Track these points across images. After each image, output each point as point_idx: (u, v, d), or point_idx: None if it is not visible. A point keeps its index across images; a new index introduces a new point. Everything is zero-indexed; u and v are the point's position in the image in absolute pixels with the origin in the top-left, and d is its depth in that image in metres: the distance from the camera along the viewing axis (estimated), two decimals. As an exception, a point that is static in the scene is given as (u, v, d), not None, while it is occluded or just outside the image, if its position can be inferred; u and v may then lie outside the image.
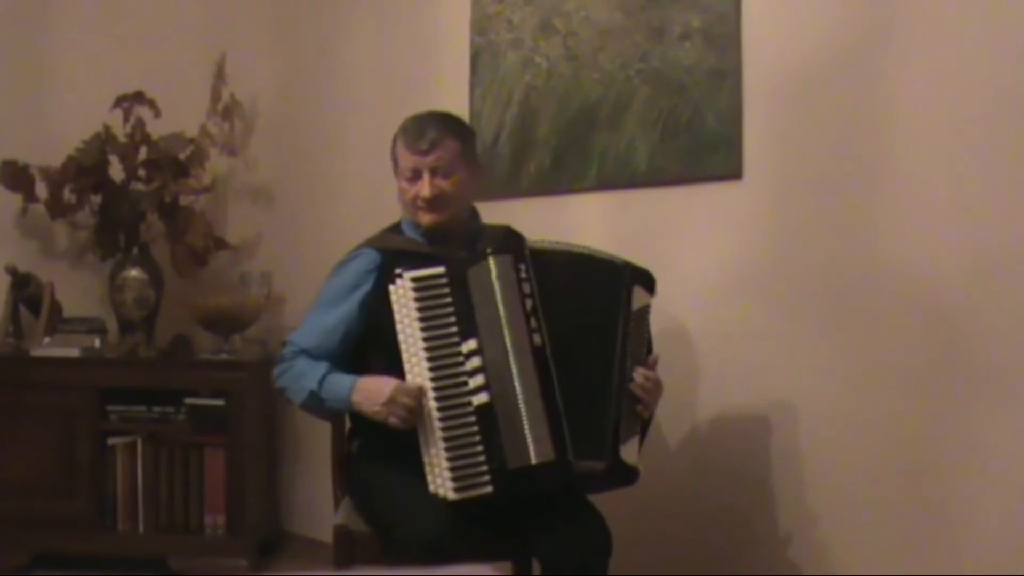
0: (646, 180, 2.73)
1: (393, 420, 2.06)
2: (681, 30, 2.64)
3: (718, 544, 2.62)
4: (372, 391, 2.10)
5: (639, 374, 2.12)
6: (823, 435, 2.43)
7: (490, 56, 3.11)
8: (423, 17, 3.37)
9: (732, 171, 2.55)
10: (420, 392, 2.04)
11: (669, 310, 2.69)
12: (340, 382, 2.17)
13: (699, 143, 2.61)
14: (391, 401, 2.05)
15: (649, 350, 2.24)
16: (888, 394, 2.31)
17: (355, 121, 3.58)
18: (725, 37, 2.55)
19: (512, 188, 3.03)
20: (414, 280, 2.07)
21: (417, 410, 2.04)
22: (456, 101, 3.10)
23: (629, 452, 2.11)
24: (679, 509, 2.70)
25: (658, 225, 2.74)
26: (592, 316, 2.12)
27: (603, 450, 2.07)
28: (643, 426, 2.19)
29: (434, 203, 2.24)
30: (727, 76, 2.55)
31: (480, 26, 3.14)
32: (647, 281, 2.21)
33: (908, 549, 2.27)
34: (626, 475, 2.12)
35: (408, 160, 2.26)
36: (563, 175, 2.92)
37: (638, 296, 2.17)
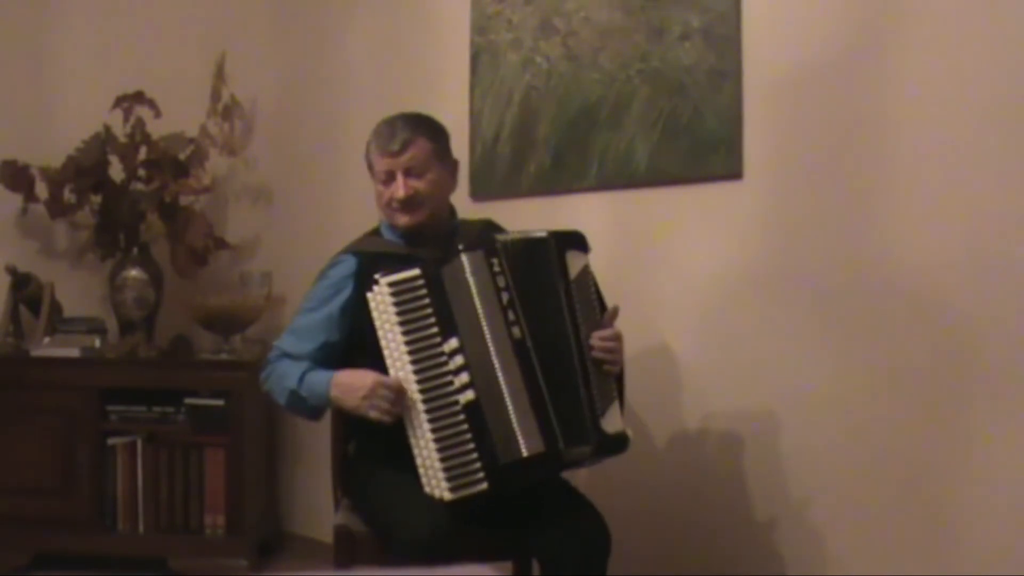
0: (646, 180, 2.73)
1: (374, 413, 2.06)
2: (681, 30, 2.64)
3: (716, 543, 2.62)
4: (351, 385, 2.11)
5: (595, 338, 2.12)
6: (822, 435, 2.42)
7: (490, 56, 3.10)
8: (423, 17, 3.37)
9: (732, 171, 2.55)
10: (400, 385, 2.04)
11: (668, 309, 2.70)
12: (319, 378, 2.19)
13: (699, 143, 2.61)
14: (371, 395, 2.05)
15: (603, 307, 2.22)
16: (888, 393, 2.31)
17: (355, 121, 3.56)
18: (725, 37, 2.55)
19: (512, 188, 3.03)
20: (391, 285, 2.08)
21: (398, 403, 2.04)
22: (456, 101, 3.11)
23: (611, 421, 2.12)
24: (677, 508, 2.70)
25: (658, 225, 2.74)
26: (543, 297, 2.12)
27: (586, 433, 2.08)
28: (619, 386, 2.19)
29: (409, 204, 2.25)
30: (727, 76, 2.55)
31: (480, 26, 3.14)
32: (577, 242, 2.19)
33: (905, 550, 2.27)
34: (615, 445, 2.12)
35: (381, 163, 2.26)
36: (563, 175, 2.92)
37: (574, 260, 2.16)
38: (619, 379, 2.20)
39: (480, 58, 3.13)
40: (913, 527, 2.27)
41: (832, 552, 2.40)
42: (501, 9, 3.07)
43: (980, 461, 2.16)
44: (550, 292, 2.12)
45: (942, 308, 2.22)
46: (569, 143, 2.89)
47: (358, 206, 3.46)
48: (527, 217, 2.77)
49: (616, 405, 2.15)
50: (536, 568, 2.20)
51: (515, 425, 2.02)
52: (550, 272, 2.12)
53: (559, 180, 2.93)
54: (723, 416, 2.62)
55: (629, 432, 2.15)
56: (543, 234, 2.15)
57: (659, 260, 2.72)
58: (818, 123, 2.42)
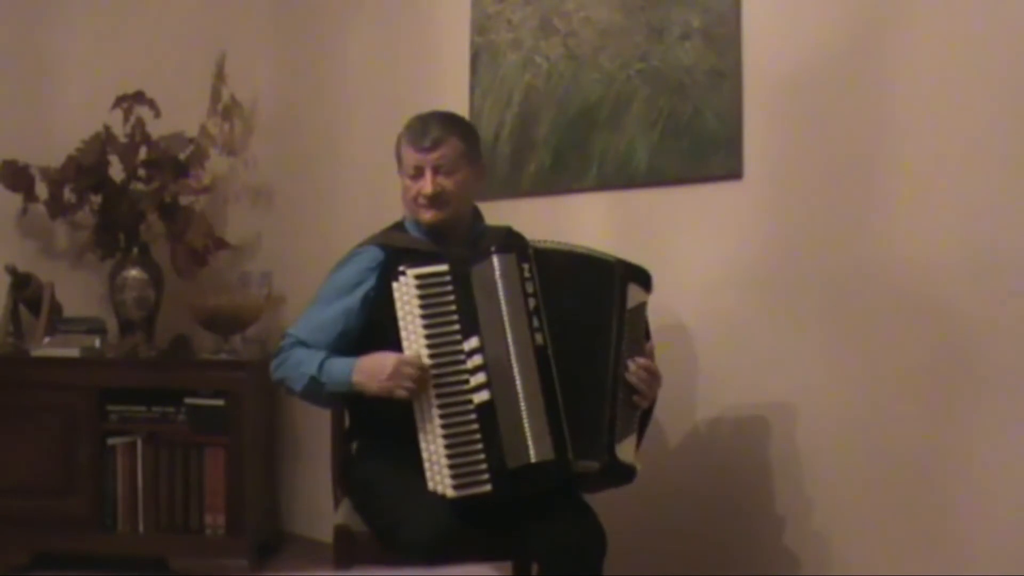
0: (646, 180, 2.73)
1: (400, 392, 2.05)
2: (681, 30, 2.64)
3: (715, 543, 2.62)
4: (374, 368, 2.09)
5: (634, 363, 2.11)
6: (822, 434, 2.43)
7: (490, 56, 3.11)
8: (423, 17, 3.37)
9: (732, 171, 2.55)
10: (421, 362, 2.04)
11: (669, 310, 2.70)
12: (340, 364, 2.17)
13: (699, 143, 2.61)
14: (396, 374, 2.04)
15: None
16: (888, 393, 2.31)
17: (355, 121, 3.58)
18: (725, 37, 2.55)
19: (512, 188, 3.03)
20: (417, 277, 2.07)
21: (422, 379, 2.03)
22: (456, 101, 3.10)
23: (625, 450, 2.11)
24: (676, 508, 2.70)
25: (658, 225, 2.74)
26: (588, 315, 2.12)
27: (598, 450, 2.07)
28: (642, 423, 2.19)
29: (435, 200, 2.25)
30: (727, 76, 2.55)
31: (480, 26, 3.14)
32: (643, 279, 2.20)
33: (908, 548, 2.27)
34: (622, 473, 2.12)
35: (411, 157, 2.27)
36: (563, 175, 2.92)
37: (634, 294, 2.16)
38: (643, 420, 2.20)
39: (480, 58, 3.13)
40: (914, 525, 2.27)
41: (834, 551, 2.40)
42: (501, 9, 3.07)
43: (981, 458, 2.17)
44: (597, 311, 2.11)
45: (942, 306, 2.22)
46: (569, 143, 2.89)
47: (358, 206, 3.47)
48: (527, 217, 2.77)
49: (633, 438, 2.15)
50: (535, 568, 2.20)
51: (527, 430, 2.01)
52: (603, 293, 2.12)
53: (559, 180, 2.93)
54: (722, 415, 2.63)
55: (639, 466, 2.14)
56: (611, 259, 2.16)
57: (659, 260, 2.70)
58: (818, 123, 2.42)
